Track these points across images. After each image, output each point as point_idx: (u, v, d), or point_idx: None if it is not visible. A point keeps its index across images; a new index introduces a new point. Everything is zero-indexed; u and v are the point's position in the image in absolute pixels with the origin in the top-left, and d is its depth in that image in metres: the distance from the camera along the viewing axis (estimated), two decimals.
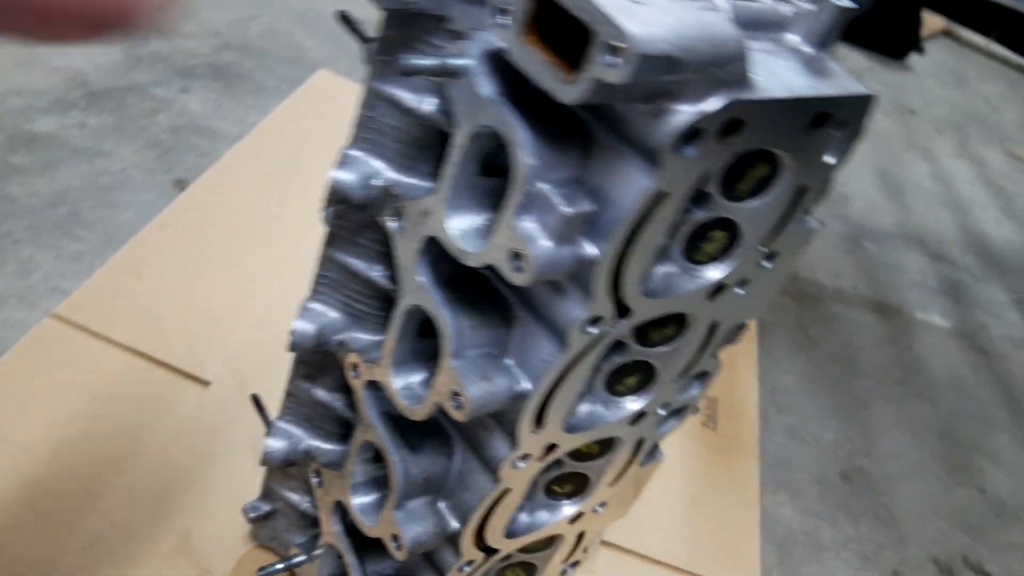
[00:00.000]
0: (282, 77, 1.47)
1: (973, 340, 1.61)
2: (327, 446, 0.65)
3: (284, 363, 0.63)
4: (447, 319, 0.47)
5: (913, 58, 3.01)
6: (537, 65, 0.37)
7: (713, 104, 0.38)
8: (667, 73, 0.36)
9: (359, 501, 0.61)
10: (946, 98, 2.89)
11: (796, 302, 1.50)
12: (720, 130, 0.39)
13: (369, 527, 0.59)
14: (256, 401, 0.68)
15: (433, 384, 0.49)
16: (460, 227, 0.45)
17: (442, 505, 0.58)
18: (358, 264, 0.55)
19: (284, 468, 0.69)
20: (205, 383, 0.88)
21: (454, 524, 0.57)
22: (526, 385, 0.48)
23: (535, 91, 0.38)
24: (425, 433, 0.57)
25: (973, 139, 2.66)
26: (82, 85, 1.29)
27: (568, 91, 0.36)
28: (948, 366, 1.50)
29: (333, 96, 1.35)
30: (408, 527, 0.56)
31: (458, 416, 0.47)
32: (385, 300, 0.55)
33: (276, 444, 0.65)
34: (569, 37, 0.36)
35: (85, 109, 1.25)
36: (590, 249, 0.41)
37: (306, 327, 0.57)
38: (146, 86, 1.34)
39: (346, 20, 0.51)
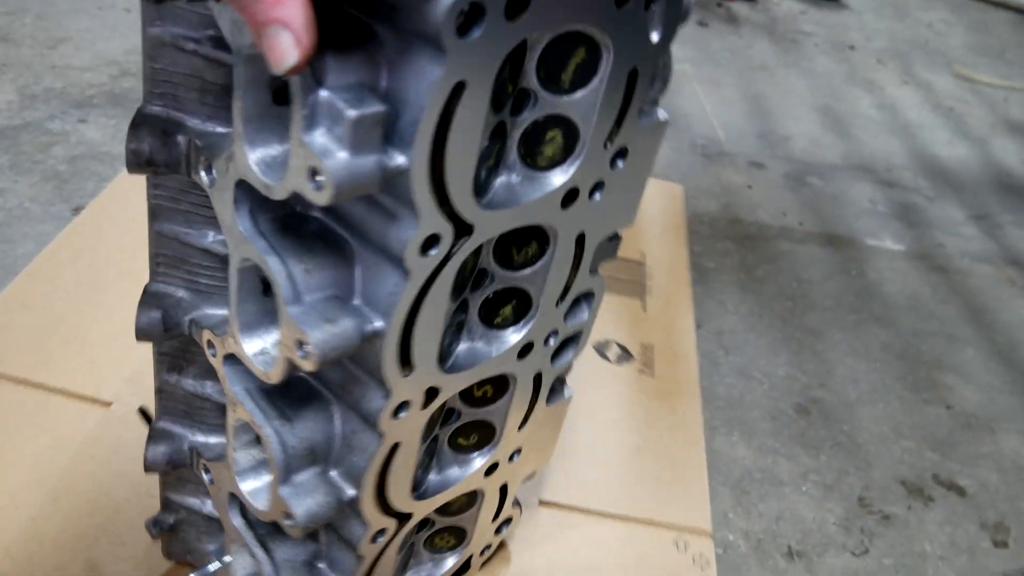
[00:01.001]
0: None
1: (930, 260, 1.57)
2: (212, 439, 0.61)
3: None
4: (272, 265, 0.43)
5: None
6: None
7: None
8: None
9: (249, 487, 0.57)
10: (886, 30, 2.86)
11: (738, 245, 1.46)
12: (505, 7, 0.36)
13: (263, 511, 0.55)
14: (143, 414, 0.64)
15: (279, 339, 0.45)
16: (261, 161, 0.41)
17: (334, 474, 0.54)
18: (190, 234, 0.51)
19: (175, 472, 0.65)
20: (106, 404, 0.85)
21: (350, 491, 0.53)
22: (378, 323, 0.44)
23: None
24: (302, 401, 0.53)
25: (918, 66, 2.63)
26: None
27: None
28: (905, 288, 1.46)
29: None
30: (298, 501, 0.52)
31: (307, 366, 0.43)
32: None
33: (157, 448, 0.60)
34: None
35: None
36: (397, 158, 0.38)
37: (150, 313, 0.53)
38: (41, 122, 1.30)
39: None
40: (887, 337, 1.31)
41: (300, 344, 0.43)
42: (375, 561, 0.60)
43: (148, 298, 0.54)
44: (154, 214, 0.51)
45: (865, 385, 1.20)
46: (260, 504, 0.56)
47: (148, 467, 0.61)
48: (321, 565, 0.62)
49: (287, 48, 0.34)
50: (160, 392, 0.60)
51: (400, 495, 0.56)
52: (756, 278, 1.38)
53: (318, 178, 0.36)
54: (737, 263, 1.41)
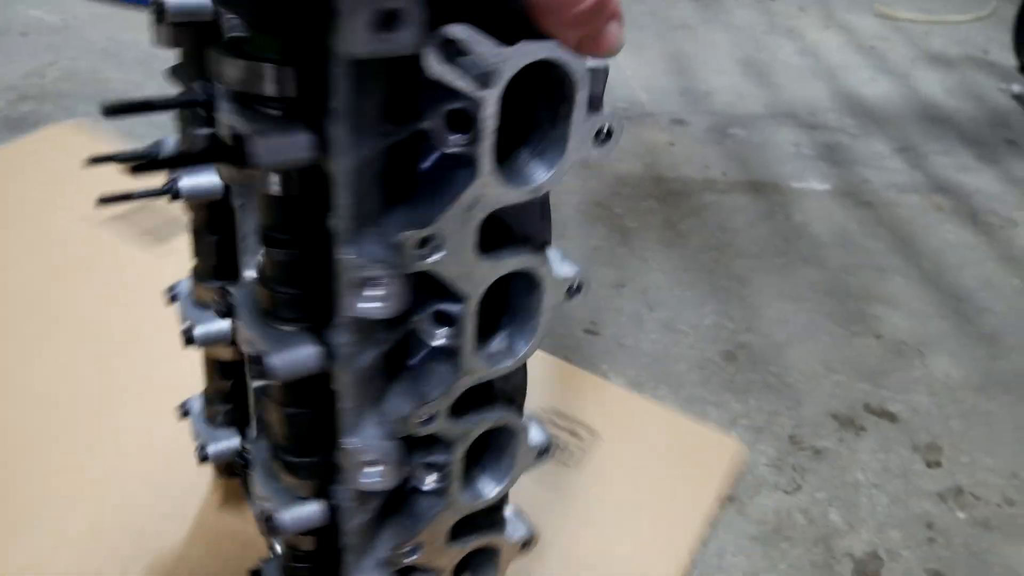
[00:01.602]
0: (85, 113, 1.40)
1: (856, 196, 1.58)
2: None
3: None
4: (539, 264, 0.45)
5: None
6: None
7: None
8: None
9: (485, 487, 0.55)
10: None
11: (661, 202, 1.46)
12: None
13: (499, 491, 0.55)
14: None
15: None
16: (524, 175, 0.42)
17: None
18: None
19: None
20: None
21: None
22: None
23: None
24: (487, 393, 0.51)
25: (839, 10, 2.64)
26: None
27: None
28: (832, 226, 1.46)
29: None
30: (541, 430, 0.55)
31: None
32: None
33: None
34: None
35: None
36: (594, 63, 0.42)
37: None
38: None
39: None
40: (815, 276, 1.32)
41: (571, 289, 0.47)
42: None
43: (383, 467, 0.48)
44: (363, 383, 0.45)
45: (794, 325, 1.20)
46: (496, 487, 0.55)
47: None
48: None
49: (618, 33, 0.38)
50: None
51: None
52: (680, 233, 1.37)
53: (605, 140, 0.42)
54: (661, 220, 1.40)
